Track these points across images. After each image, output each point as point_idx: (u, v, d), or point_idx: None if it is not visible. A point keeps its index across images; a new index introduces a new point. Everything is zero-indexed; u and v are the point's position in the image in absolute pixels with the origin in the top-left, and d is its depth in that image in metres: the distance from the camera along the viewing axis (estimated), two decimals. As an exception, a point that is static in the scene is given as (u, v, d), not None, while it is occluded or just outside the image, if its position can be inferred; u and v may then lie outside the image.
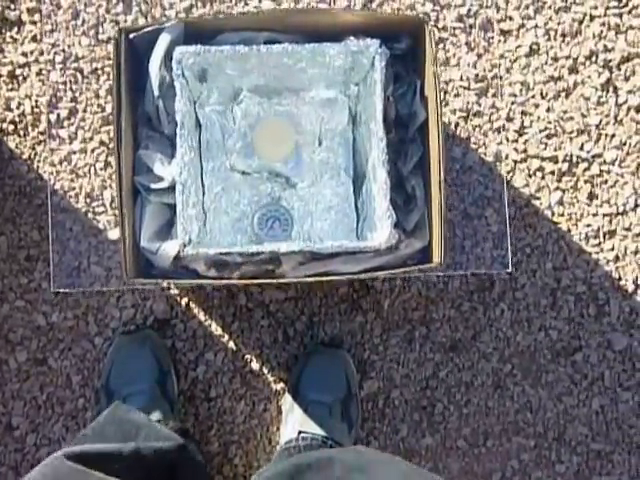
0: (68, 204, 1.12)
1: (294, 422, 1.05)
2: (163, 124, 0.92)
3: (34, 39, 1.14)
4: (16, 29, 1.14)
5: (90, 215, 1.13)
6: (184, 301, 1.12)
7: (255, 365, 1.12)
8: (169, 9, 1.13)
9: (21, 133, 1.13)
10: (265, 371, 1.12)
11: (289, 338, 1.13)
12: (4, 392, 1.11)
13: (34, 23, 1.14)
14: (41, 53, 1.14)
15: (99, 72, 1.14)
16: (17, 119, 1.13)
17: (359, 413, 1.10)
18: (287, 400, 1.09)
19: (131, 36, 0.87)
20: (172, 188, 0.88)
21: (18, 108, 1.13)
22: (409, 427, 1.12)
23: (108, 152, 1.13)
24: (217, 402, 1.12)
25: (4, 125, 1.13)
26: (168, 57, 0.88)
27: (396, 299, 1.13)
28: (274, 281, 0.86)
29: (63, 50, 1.14)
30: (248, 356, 1.12)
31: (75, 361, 1.11)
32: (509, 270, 1.13)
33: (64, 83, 1.14)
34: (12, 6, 1.14)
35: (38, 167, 1.13)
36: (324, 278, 0.85)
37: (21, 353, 1.11)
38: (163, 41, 0.87)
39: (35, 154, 1.13)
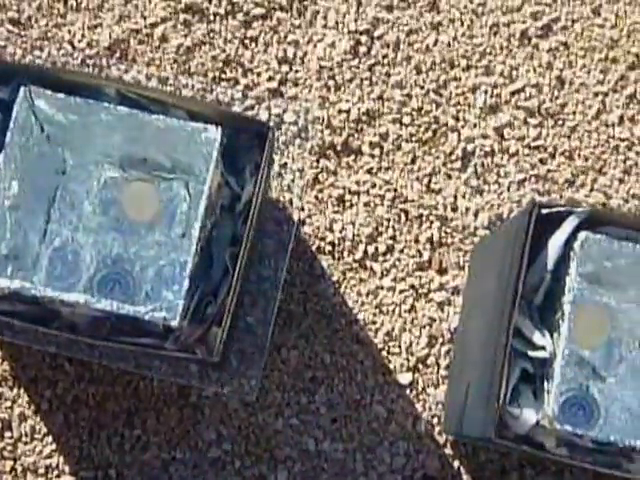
0: (365, 336, 1.13)
1: None
2: (536, 299, 0.94)
3: (369, 171, 1.18)
4: (354, 157, 1.18)
5: (384, 353, 1.13)
6: (456, 463, 1.10)
7: None
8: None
9: (336, 256, 1.15)
10: None
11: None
12: (256, 507, 1.08)
13: (372, 156, 1.18)
14: (373, 186, 1.17)
15: (423, 218, 1.17)
16: (336, 241, 1.16)
17: None
18: None
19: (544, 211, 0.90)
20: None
21: (340, 232, 1.16)
22: None
23: (415, 297, 1.14)
24: None
25: (322, 244, 1.15)
26: (573, 237, 0.91)
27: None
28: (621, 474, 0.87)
29: (395, 189, 1.17)
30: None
31: (334, 496, 1.09)
32: None
33: (388, 220, 1.17)
34: (356, 135, 1.19)
35: (344, 292, 1.14)
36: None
37: (282, 473, 1.09)
38: (571, 223, 0.91)
39: (344, 279, 1.15)
